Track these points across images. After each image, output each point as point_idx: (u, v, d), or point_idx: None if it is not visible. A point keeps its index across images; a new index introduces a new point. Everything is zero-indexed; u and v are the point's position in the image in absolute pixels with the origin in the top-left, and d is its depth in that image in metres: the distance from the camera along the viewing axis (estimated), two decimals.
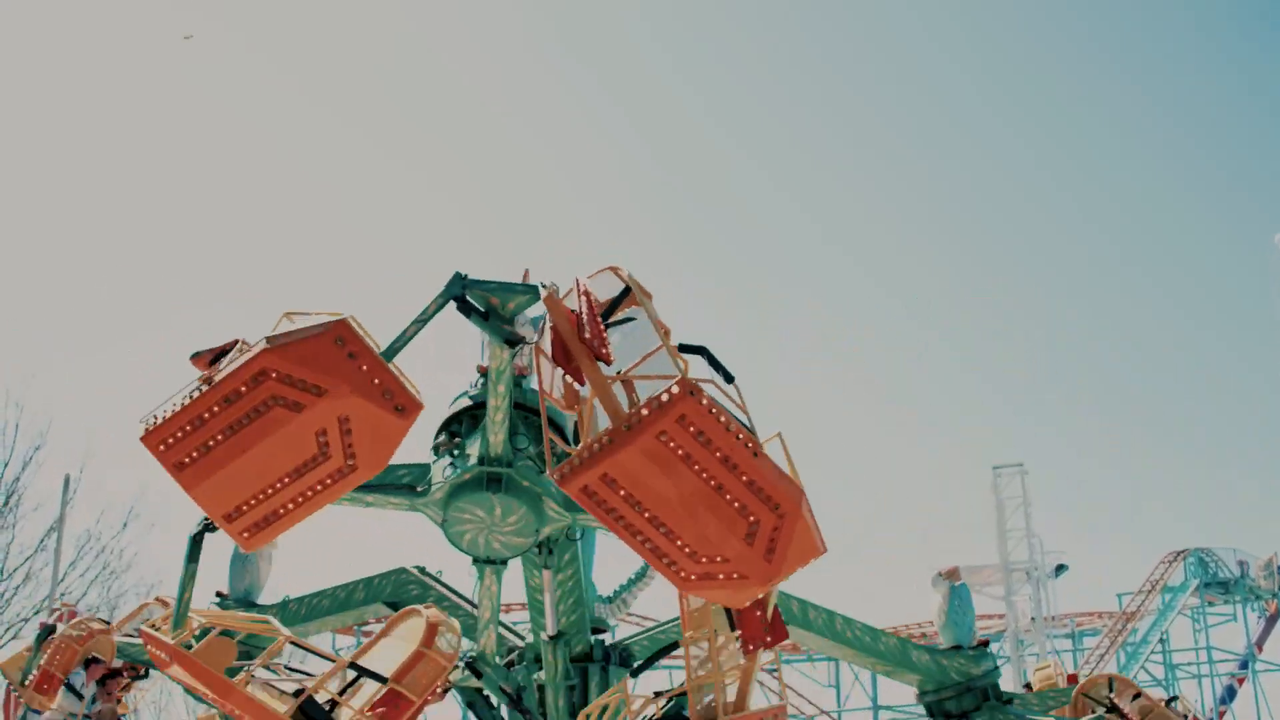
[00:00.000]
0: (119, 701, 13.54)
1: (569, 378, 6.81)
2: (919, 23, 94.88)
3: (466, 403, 10.26)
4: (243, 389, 6.60)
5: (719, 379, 6.46)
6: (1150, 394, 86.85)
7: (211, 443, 6.70)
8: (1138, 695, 12.43)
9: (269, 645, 7.75)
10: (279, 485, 6.87)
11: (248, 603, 12.42)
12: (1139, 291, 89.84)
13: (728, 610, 7.97)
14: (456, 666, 9.94)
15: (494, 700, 11.60)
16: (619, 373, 6.58)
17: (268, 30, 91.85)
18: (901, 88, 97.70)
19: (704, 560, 6.39)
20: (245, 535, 7.02)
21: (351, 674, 8.01)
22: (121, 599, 35.62)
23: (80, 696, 13.05)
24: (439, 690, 9.06)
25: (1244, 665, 45.91)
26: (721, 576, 6.45)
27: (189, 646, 7.73)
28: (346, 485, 7.00)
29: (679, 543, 6.36)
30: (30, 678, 12.94)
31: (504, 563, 10.01)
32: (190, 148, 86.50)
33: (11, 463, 35.62)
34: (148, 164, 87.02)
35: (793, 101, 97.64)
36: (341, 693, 7.92)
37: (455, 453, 9.68)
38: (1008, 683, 20.95)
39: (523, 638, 12.19)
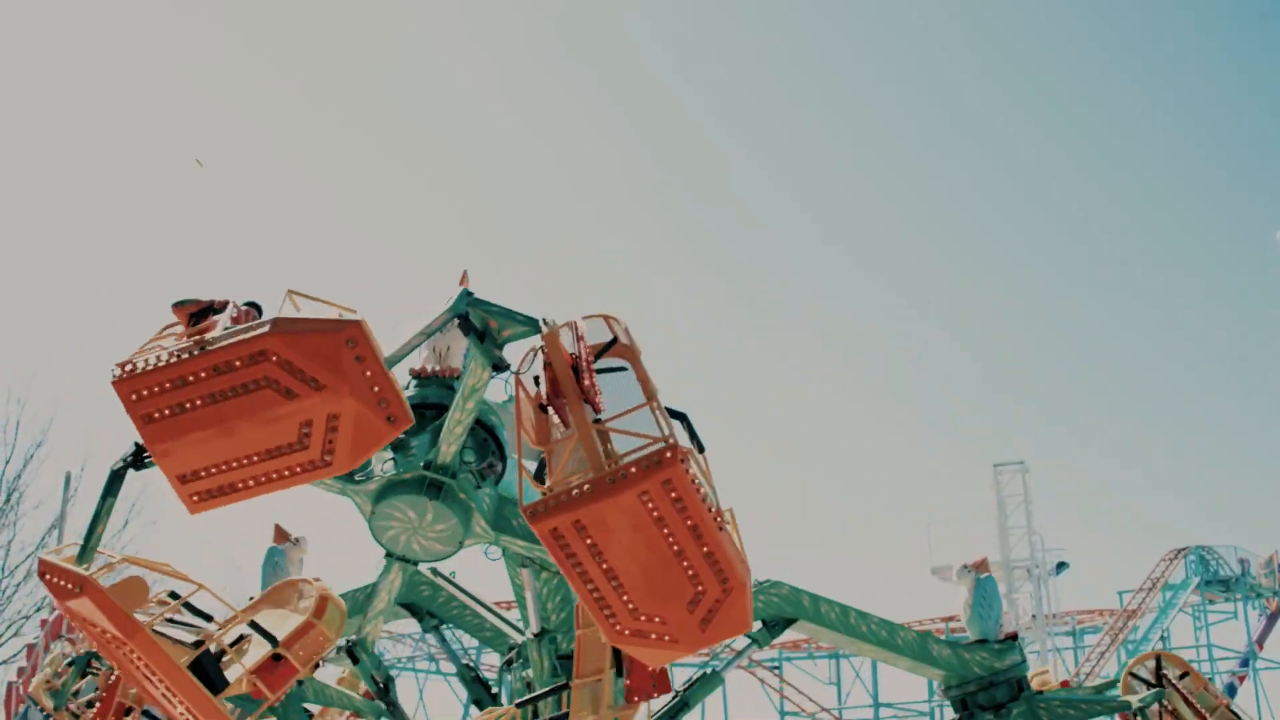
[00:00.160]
0: None
1: (553, 414, 6.96)
2: (919, 23, 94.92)
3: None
4: (237, 363, 6.60)
5: (693, 448, 6.67)
6: (1151, 391, 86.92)
7: (188, 405, 6.69)
8: (1185, 674, 12.37)
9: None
10: (245, 461, 6.88)
11: None
12: (1140, 290, 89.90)
13: (617, 655, 8.22)
14: (339, 648, 10.27)
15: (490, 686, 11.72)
16: (599, 420, 6.70)
17: (268, 30, 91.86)
18: (901, 88, 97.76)
19: (643, 618, 6.63)
20: (195, 499, 7.03)
21: (246, 630, 8.09)
22: None
23: None
24: (313, 665, 9.08)
25: (1245, 663, 45.83)
26: (654, 636, 6.69)
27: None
28: (313, 477, 7.05)
29: (625, 598, 6.57)
30: (69, 703, 12.71)
31: (415, 564, 10.04)
32: (191, 147, 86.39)
33: (13, 460, 35.67)
34: (148, 164, 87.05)
35: (793, 101, 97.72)
36: (233, 644, 7.98)
37: (400, 450, 9.66)
38: None
39: (524, 634, 12.19)
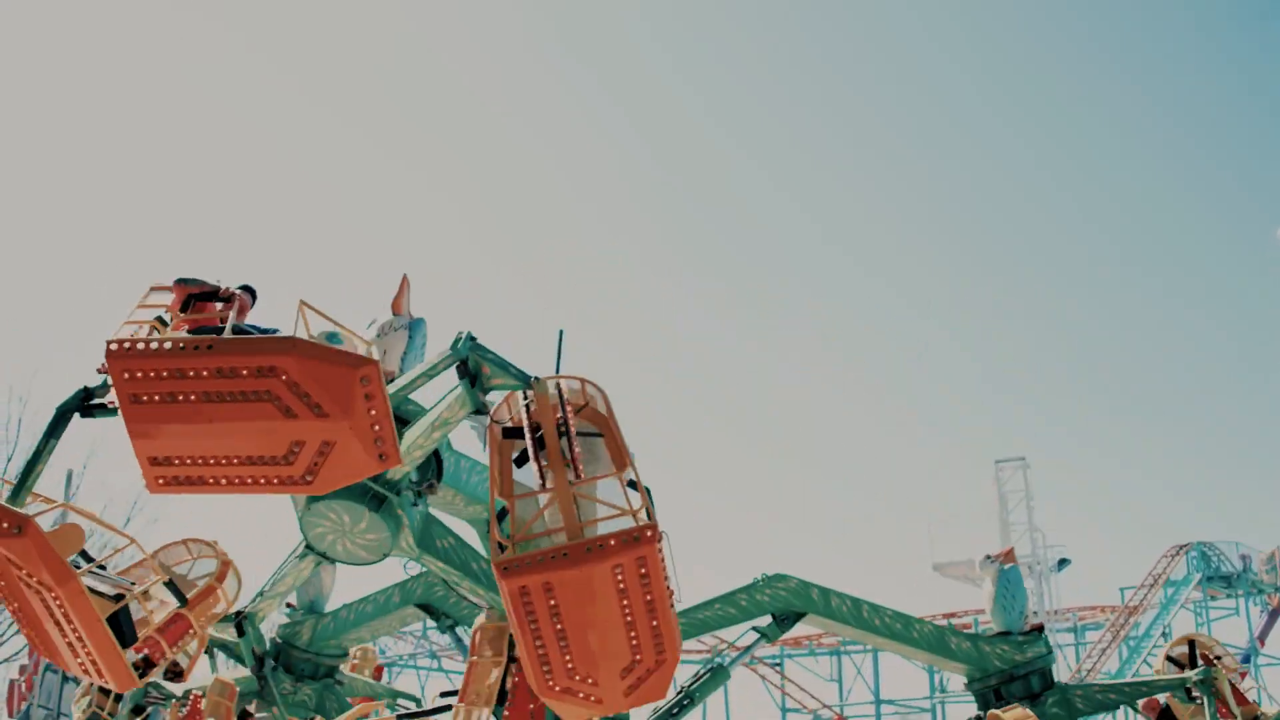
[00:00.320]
0: None
1: (533, 468, 7.14)
2: (919, 23, 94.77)
3: None
4: (244, 371, 6.62)
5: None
6: (1152, 388, 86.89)
7: (180, 397, 6.70)
8: (1219, 658, 12.35)
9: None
10: (223, 461, 6.94)
11: (315, 611, 13.19)
12: (1140, 287, 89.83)
13: (502, 687, 8.54)
14: (229, 617, 10.67)
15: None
16: (571, 481, 6.95)
17: (268, 30, 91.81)
18: (901, 88, 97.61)
19: (577, 678, 6.90)
20: (160, 481, 7.09)
21: (162, 588, 8.52)
22: None
23: None
24: (205, 629, 9.36)
25: (1246, 659, 45.79)
26: (581, 695, 6.98)
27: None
28: (287, 490, 7.21)
29: (567, 658, 6.81)
30: None
31: (333, 562, 10.12)
32: (191, 147, 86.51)
33: (15, 458, 35.58)
34: (149, 163, 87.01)
35: (793, 101, 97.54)
36: (144, 594, 8.28)
37: None
38: None
39: None
